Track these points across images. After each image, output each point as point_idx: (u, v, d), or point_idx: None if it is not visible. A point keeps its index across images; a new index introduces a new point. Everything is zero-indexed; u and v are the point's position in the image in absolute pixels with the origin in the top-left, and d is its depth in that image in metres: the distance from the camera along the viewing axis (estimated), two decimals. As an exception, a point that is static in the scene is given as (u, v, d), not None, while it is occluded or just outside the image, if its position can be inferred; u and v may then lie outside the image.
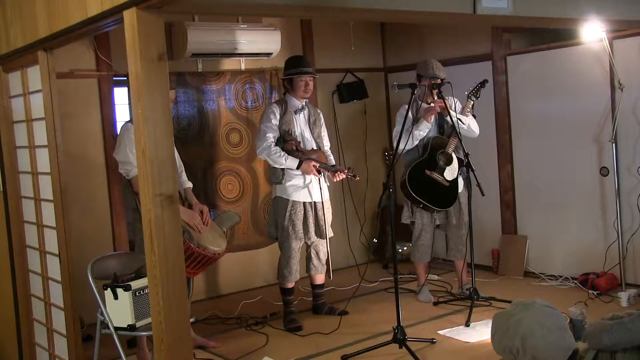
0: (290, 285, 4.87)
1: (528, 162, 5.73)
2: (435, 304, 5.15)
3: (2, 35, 3.77)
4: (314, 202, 4.82)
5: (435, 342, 4.31)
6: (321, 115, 5.05)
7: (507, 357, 2.17)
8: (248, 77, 5.76)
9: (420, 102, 5.05)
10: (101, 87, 5.15)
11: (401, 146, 4.67)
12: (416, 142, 5.03)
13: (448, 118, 4.95)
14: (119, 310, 3.55)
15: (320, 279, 5.03)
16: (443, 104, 4.91)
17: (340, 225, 6.26)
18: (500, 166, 5.88)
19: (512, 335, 2.14)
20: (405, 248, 6.23)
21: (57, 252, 3.57)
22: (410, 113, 4.81)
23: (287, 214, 4.75)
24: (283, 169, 4.73)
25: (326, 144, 5.02)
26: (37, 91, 3.59)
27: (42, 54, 3.45)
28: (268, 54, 5.66)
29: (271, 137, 4.70)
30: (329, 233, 4.92)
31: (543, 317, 2.15)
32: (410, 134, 4.92)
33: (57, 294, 3.65)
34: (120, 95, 5.49)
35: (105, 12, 2.65)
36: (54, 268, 3.64)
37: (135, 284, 3.56)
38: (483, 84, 5.13)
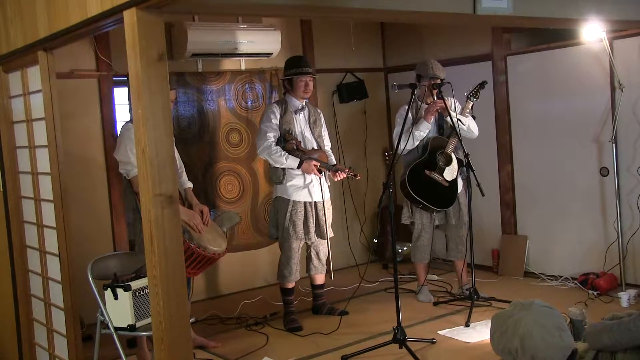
0: (291, 285, 4.87)
1: (528, 162, 5.73)
2: (435, 304, 5.15)
3: (2, 35, 3.77)
4: (315, 202, 4.82)
5: (435, 342, 4.31)
6: (321, 115, 5.05)
7: (507, 357, 2.17)
8: (248, 77, 5.76)
9: (420, 103, 5.05)
10: (101, 87, 5.15)
11: (401, 146, 4.67)
12: (416, 143, 5.03)
13: (448, 118, 4.95)
14: (119, 310, 3.55)
15: (320, 279, 5.03)
16: (443, 104, 4.91)
17: (341, 225, 6.26)
18: (500, 166, 5.89)
19: (511, 335, 2.14)
20: (405, 248, 6.23)
21: (57, 252, 3.57)
22: (410, 113, 4.81)
23: (288, 214, 4.75)
24: (284, 169, 4.73)
25: (327, 144, 5.02)
26: (37, 91, 3.58)
27: (42, 54, 3.45)
28: (268, 54, 5.67)
29: (271, 136, 4.70)
30: (330, 233, 4.92)
31: (542, 317, 2.15)
32: (410, 134, 4.92)
33: (57, 294, 3.64)
34: (120, 95, 5.50)
35: (105, 12, 2.65)
36: (54, 268, 3.64)
37: (135, 284, 3.56)
38: (482, 85, 5.12)
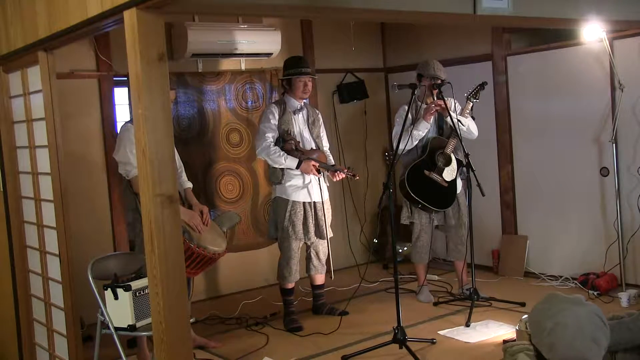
0: (290, 285, 4.87)
1: (528, 162, 5.73)
2: (435, 304, 5.15)
3: (2, 35, 3.77)
4: (314, 202, 4.82)
5: (435, 343, 4.31)
6: (320, 115, 5.05)
7: (533, 330, 2.13)
8: (248, 78, 5.76)
9: (420, 103, 5.05)
10: (101, 87, 5.16)
11: (401, 146, 4.67)
12: (415, 142, 5.03)
13: (448, 119, 4.95)
14: (119, 310, 3.55)
15: (320, 279, 5.03)
16: (443, 104, 4.91)
17: (341, 225, 6.26)
18: (500, 166, 5.88)
19: (550, 315, 2.09)
20: (405, 248, 6.23)
21: (57, 252, 3.57)
22: (409, 113, 4.81)
23: (287, 214, 4.75)
24: (282, 169, 4.73)
25: (325, 144, 5.02)
26: (37, 91, 3.59)
27: (42, 54, 3.45)
28: (268, 54, 5.67)
29: (270, 137, 4.70)
30: (329, 233, 4.92)
31: (586, 321, 2.09)
32: (410, 134, 4.92)
33: (57, 294, 3.65)
34: (120, 95, 5.49)
35: (105, 12, 2.66)
36: (54, 268, 3.64)
37: (135, 284, 3.56)
38: (482, 86, 5.12)
